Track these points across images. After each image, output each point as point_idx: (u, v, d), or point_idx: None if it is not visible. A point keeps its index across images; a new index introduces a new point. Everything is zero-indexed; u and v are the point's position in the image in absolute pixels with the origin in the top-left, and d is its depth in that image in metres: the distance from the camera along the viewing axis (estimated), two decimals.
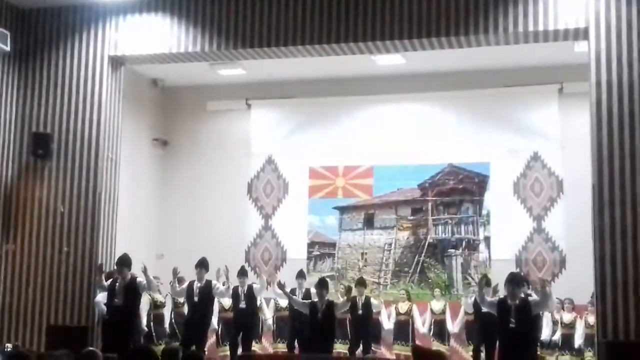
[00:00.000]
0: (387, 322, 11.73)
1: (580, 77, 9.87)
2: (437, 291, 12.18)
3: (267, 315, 11.75)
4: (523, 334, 8.65)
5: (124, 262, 10.01)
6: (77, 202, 10.74)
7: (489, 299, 9.43)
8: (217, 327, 11.39)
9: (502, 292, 9.04)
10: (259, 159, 14.10)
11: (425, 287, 12.86)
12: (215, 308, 11.23)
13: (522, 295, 8.90)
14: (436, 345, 11.49)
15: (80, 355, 6.14)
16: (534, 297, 9.12)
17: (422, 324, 11.78)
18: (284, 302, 11.46)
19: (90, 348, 7.23)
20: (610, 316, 8.78)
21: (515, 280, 9.00)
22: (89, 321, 10.41)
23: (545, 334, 11.07)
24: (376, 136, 13.33)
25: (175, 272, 10.44)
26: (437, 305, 11.82)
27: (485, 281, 10.13)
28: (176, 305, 11.28)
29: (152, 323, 10.93)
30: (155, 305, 11.08)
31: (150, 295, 10.88)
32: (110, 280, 10.11)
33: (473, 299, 10.52)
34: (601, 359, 8.81)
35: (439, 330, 11.62)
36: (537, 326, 9.32)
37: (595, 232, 9.04)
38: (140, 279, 9.98)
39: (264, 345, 11.79)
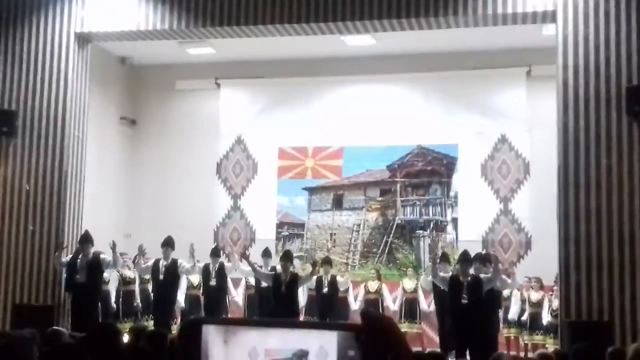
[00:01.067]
0: (354, 303, 11.80)
1: (548, 60, 9.94)
2: (409, 270, 12.22)
3: (233, 292, 11.79)
4: (474, 309, 8.88)
5: (87, 239, 10.08)
6: (42, 181, 10.62)
7: (441, 274, 9.68)
8: (183, 304, 11.39)
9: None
10: (228, 138, 14.04)
11: (393, 267, 12.94)
12: (183, 285, 11.27)
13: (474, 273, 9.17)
14: (406, 326, 11.54)
15: (46, 334, 6.10)
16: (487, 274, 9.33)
17: (392, 302, 11.86)
18: (254, 281, 11.49)
19: (55, 327, 7.18)
20: (574, 297, 8.92)
21: (466, 259, 9.32)
22: (54, 300, 10.34)
23: (512, 312, 11.15)
24: (346, 117, 13.33)
25: (141, 249, 10.47)
26: (409, 283, 11.83)
27: (442, 257, 10.38)
28: (142, 281, 11.26)
29: (120, 300, 10.98)
30: (125, 282, 11.10)
31: (118, 271, 10.92)
32: (70, 257, 10.08)
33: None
34: (564, 338, 8.97)
35: (410, 309, 11.65)
36: (492, 303, 9.49)
37: (560, 214, 9.16)
38: (104, 255, 10.02)
39: None
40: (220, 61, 13.50)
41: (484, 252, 11.40)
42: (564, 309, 9.00)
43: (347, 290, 11.71)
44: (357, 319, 11.54)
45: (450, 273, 10.12)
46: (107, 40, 11.39)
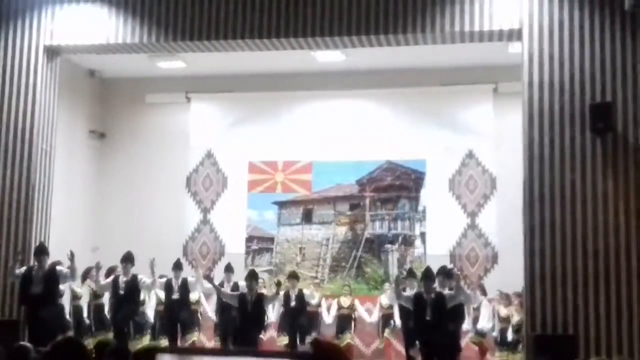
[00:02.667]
0: (328, 316, 11.78)
1: (514, 77, 10.11)
2: (386, 285, 12.16)
3: (207, 308, 11.72)
4: (439, 325, 8.98)
5: (42, 250, 9.95)
6: (9, 194, 10.52)
7: (405, 293, 9.78)
8: (152, 320, 11.33)
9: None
10: (198, 152, 14.01)
11: (362, 281, 12.97)
12: (153, 302, 11.20)
13: (439, 289, 9.28)
14: (382, 341, 11.66)
15: (11, 350, 6.04)
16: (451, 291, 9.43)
17: (367, 315, 11.90)
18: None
19: (21, 342, 7.11)
20: (539, 310, 9.04)
21: (429, 275, 9.43)
22: (20, 315, 10.21)
23: (481, 323, 11.05)
24: (315, 132, 13.39)
25: (98, 266, 10.46)
26: (386, 299, 11.75)
27: (409, 273, 10.48)
28: (95, 296, 11.12)
29: (92, 313, 10.94)
30: (95, 296, 11.04)
31: (88, 286, 10.94)
32: (25, 268, 9.95)
33: None
34: (529, 352, 9.07)
35: (385, 324, 11.60)
36: (455, 319, 9.58)
37: (525, 228, 9.30)
38: (60, 267, 9.90)
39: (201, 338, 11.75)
40: (191, 75, 13.50)
41: (448, 266, 11.49)
42: (529, 322, 9.11)
43: (319, 305, 11.71)
44: (329, 333, 11.66)
45: (416, 288, 10.19)
46: (77, 53, 11.36)
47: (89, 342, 9.85)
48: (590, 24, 9.37)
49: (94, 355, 5.70)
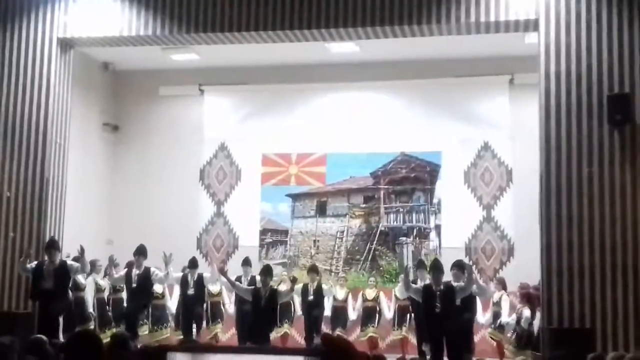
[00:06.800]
0: (352, 312, 11.69)
1: (531, 68, 10.00)
2: (401, 277, 12.06)
3: (226, 300, 11.72)
4: (448, 318, 8.94)
5: (53, 245, 10.01)
6: (23, 187, 10.54)
7: (414, 285, 9.74)
8: (174, 312, 11.44)
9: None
10: (212, 145, 14.00)
11: (377, 274, 12.90)
12: (174, 295, 11.32)
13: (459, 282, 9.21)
14: (397, 333, 11.50)
15: (27, 343, 6.06)
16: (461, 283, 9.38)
17: (388, 310, 11.78)
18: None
19: (37, 335, 7.14)
20: (556, 303, 8.96)
21: (437, 267, 9.38)
22: (35, 308, 10.23)
23: (504, 317, 10.76)
24: (329, 124, 13.34)
25: (111, 260, 10.47)
26: (399, 292, 11.61)
27: (419, 264, 10.43)
28: (114, 290, 11.25)
29: (110, 307, 11.11)
30: (115, 290, 11.14)
31: (94, 279, 11.01)
32: (36, 263, 9.98)
33: None
34: (545, 345, 9.00)
35: (401, 317, 11.50)
36: (467, 310, 9.51)
37: (542, 221, 9.21)
38: (71, 262, 9.96)
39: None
40: (204, 67, 13.47)
41: (465, 259, 11.42)
42: (546, 316, 9.04)
43: (345, 300, 11.64)
44: (355, 328, 11.57)
45: (427, 280, 10.13)
46: (90, 45, 11.34)
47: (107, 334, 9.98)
48: (608, 14, 9.24)
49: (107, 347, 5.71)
